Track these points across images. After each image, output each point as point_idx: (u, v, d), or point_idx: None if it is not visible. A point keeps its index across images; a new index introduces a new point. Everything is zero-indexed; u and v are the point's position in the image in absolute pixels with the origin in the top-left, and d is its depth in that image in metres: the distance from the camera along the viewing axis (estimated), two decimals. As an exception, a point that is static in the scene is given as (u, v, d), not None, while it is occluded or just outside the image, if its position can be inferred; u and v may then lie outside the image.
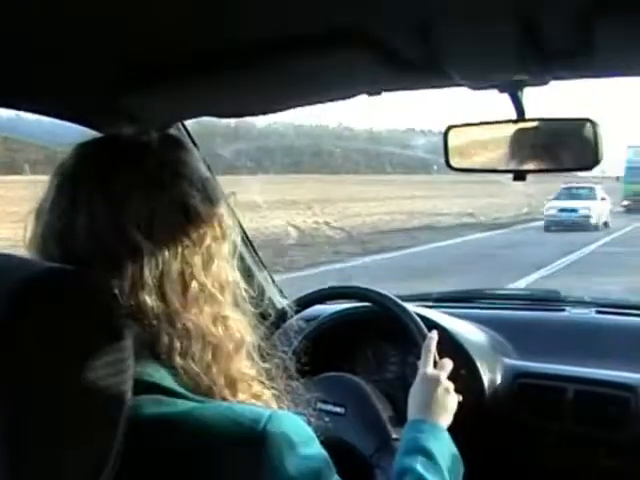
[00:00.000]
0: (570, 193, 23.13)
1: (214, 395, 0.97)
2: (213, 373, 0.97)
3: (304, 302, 1.98)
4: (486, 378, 1.96)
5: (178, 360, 0.95)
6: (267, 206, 17.46)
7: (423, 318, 1.90)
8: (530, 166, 1.40)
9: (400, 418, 1.71)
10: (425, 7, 1.04)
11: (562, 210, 22.00)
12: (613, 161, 28.93)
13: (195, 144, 1.71)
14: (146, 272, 0.94)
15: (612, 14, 1.00)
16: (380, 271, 12.52)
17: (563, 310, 2.33)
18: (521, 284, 11.46)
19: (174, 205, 0.98)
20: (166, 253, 0.96)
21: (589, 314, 2.29)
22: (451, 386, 1.48)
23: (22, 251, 1.00)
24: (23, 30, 1.03)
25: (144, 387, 0.90)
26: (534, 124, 1.37)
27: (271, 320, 1.75)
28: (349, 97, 1.35)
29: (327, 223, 18.70)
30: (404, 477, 1.21)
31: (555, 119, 1.37)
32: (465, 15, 1.05)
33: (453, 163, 1.47)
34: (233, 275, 1.04)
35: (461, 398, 1.58)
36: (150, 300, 0.94)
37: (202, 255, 1.00)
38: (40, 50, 1.11)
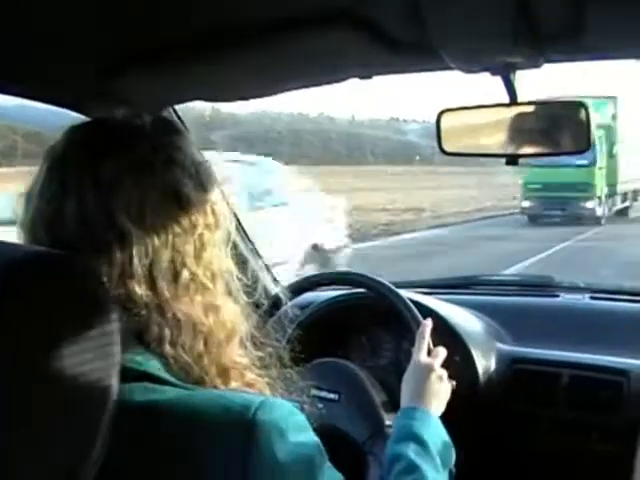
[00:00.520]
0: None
1: (205, 383, 0.95)
2: (204, 362, 0.96)
3: (297, 289, 1.97)
4: (480, 364, 1.96)
5: (168, 349, 0.93)
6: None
7: (417, 304, 1.89)
8: (523, 150, 1.39)
9: (394, 404, 1.71)
10: None
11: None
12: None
13: (186, 129, 1.70)
14: (135, 260, 0.92)
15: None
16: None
17: (557, 296, 2.33)
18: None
19: (166, 191, 0.96)
20: (156, 241, 0.94)
21: (583, 299, 2.30)
22: (444, 374, 1.48)
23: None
24: (10, 13, 1.01)
25: (133, 375, 0.89)
26: (526, 108, 1.37)
27: (264, 308, 1.75)
28: (340, 80, 1.35)
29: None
30: (396, 464, 1.21)
31: (547, 102, 1.37)
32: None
33: (446, 147, 1.46)
34: (226, 263, 1.02)
35: (455, 384, 1.57)
36: (139, 289, 0.93)
37: (194, 243, 0.97)
38: (28, 33, 1.10)
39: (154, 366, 0.92)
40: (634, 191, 23.21)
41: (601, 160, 19.61)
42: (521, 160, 1.41)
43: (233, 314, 1.01)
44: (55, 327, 0.77)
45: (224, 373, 0.98)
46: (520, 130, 1.38)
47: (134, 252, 0.92)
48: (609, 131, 19.92)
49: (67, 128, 1.02)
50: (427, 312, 1.89)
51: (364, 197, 23.33)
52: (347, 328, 2.12)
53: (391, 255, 13.42)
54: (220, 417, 0.88)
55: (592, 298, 2.30)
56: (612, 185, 20.70)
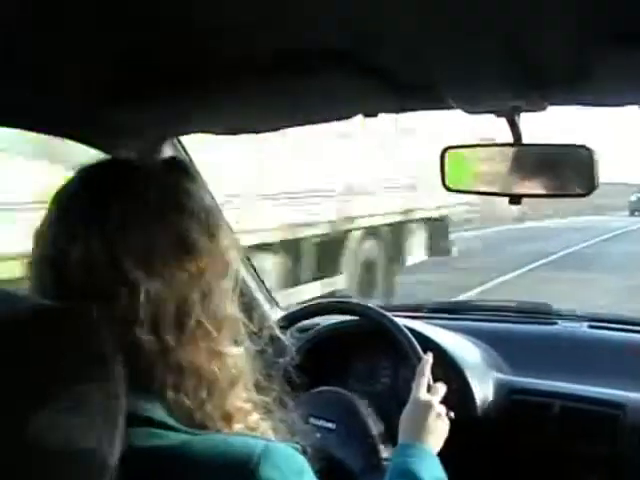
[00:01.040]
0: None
1: (209, 428, 0.95)
2: (207, 408, 0.96)
3: (294, 318, 1.98)
4: (478, 395, 1.96)
5: (171, 395, 0.93)
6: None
7: (416, 333, 1.90)
8: (526, 190, 1.39)
9: (391, 434, 1.72)
10: (420, 32, 1.04)
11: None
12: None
13: (191, 160, 1.71)
14: (141, 307, 0.92)
15: (609, 46, 0.99)
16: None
17: (555, 323, 2.33)
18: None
19: (174, 239, 0.95)
20: (163, 289, 0.93)
21: (581, 328, 2.29)
22: (443, 411, 1.49)
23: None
24: (9, 44, 1.02)
25: (137, 420, 0.89)
26: (531, 149, 1.37)
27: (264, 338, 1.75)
28: (344, 119, 1.35)
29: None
30: None
31: (551, 144, 1.37)
32: (461, 42, 1.04)
33: (449, 184, 1.46)
34: (232, 310, 1.01)
35: (453, 415, 1.58)
36: (144, 335, 0.92)
37: (201, 290, 0.96)
38: (27, 65, 1.11)
39: (157, 411, 0.92)
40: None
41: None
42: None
43: (238, 360, 1.00)
44: (58, 374, 0.77)
45: (227, 417, 0.98)
46: (524, 170, 1.38)
47: (140, 299, 0.92)
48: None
49: (77, 168, 1.02)
50: (425, 341, 1.90)
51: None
52: (346, 354, 2.13)
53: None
54: (222, 464, 0.87)
55: (590, 327, 2.29)
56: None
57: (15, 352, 0.74)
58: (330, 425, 1.80)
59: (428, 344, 1.90)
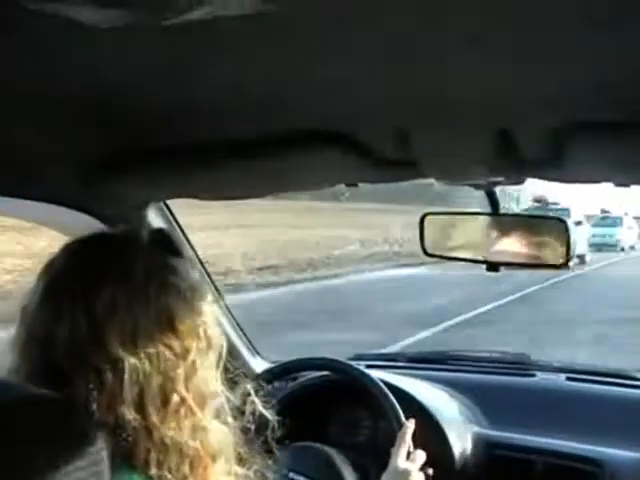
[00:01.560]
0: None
1: None
2: None
3: (276, 374, 1.99)
4: (457, 449, 1.97)
5: (154, 471, 0.94)
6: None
7: (394, 388, 1.91)
8: (502, 258, 1.42)
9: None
10: (404, 116, 1.07)
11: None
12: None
13: (177, 221, 1.73)
14: (126, 386, 0.93)
15: (581, 133, 1.03)
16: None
17: (533, 375, 2.35)
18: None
19: (160, 318, 0.96)
20: (148, 367, 0.94)
21: (559, 380, 2.31)
22: (422, 478, 1.49)
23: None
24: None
25: None
26: (508, 219, 1.40)
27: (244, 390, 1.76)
28: (325, 187, 1.38)
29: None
30: None
31: (528, 216, 1.41)
32: (445, 125, 1.08)
33: (428, 249, 1.49)
34: (215, 386, 1.03)
35: (431, 471, 1.59)
36: (129, 413, 0.93)
37: (185, 368, 0.97)
38: (13, 135, 1.13)
39: None
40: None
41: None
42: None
43: (220, 436, 1.02)
44: (42, 456, 0.78)
45: None
46: (501, 240, 1.41)
47: (125, 378, 0.93)
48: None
49: (64, 244, 1.03)
50: (404, 397, 1.91)
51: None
52: (326, 406, 2.13)
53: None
54: None
55: (568, 379, 2.31)
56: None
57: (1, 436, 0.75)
58: None
59: (407, 400, 1.91)
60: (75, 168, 1.32)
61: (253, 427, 1.13)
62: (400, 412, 1.78)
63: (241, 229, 20.33)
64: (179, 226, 1.77)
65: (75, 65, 0.91)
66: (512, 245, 1.40)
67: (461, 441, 2.00)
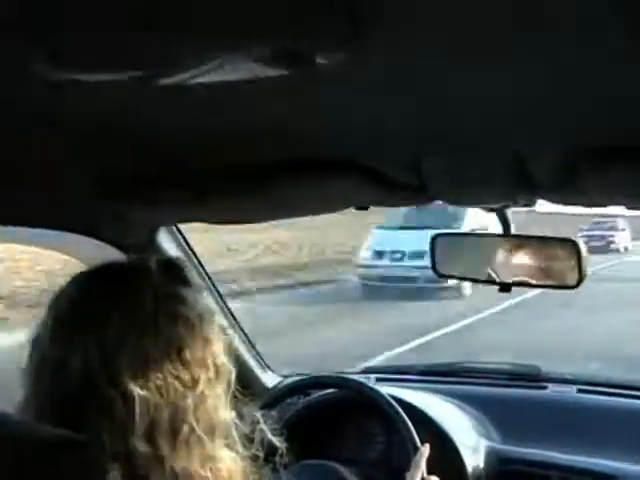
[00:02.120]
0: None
1: None
2: None
3: (285, 393, 1.99)
4: (470, 465, 1.96)
5: None
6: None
7: (406, 404, 1.91)
8: (515, 279, 1.42)
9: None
10: (418, 143, 1.08)
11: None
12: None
13: (187, 243, 1.74)
14: (137, 418, 0.93)
15: (594, 159, 1.03)
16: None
17: (545, 387, 2.34)
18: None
19: (169, 349, 0.97)
20: (158, 398, 0.95)
21: (570, 392, 2.30)
22: None
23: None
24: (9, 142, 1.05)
25: None
26: (519, 240, 1.40)
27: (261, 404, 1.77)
28: (335, 211, 1.38)
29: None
30: None
31: (539, 237, 1.40)
32: (458, 153, 1.08)
33: (440, 269, 1.49)
34: (225, 415, 1.03)
35: None
36: (139, 445, 0.94)
37: (194, 398, 0.98)
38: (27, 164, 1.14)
39: None
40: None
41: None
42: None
43: (230, 465, 1.02)
44: None
45: None
46: (512, 261, 1.41)
47: (136, 410, 0.94)
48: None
49: (74, 276, 1.04)
50: (416, 414, 1.91)
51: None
52: (338, 422, 2.13)
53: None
54: None
55: (579, 391, 2.30)
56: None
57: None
58: None
59: (420, 418, 1.91)
60: (87, 195, 1.33)
61: (262, 454, 1.13)
62: (415, 435, 1.78)
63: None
64: (190, 248, 1.78)
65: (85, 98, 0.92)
66: (524, 266, 1.40)
67: (474, 458, 2.00)
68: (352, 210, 1.35)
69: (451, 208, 10.86)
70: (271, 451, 1.58)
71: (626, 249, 26.67)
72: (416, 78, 0.80)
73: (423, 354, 8.47)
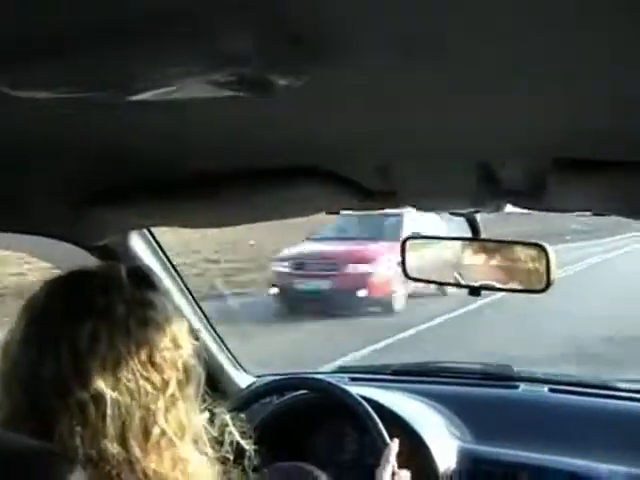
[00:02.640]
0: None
1: None
2: None
3: (258, 394, 2.00)
4: (441, 466, 1.97)
5: None
6: None
7: (377, 405, 1.92)
8: (484, 283, 1.43)
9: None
10: (385, 151, 1.08)
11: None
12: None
13: (159, 245, 1.74)
14: (109, 420, 0.95)
15: (561, 169, 1.05)
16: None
17: (517, 387, 2.36)
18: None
19: (140, 352, 0.99)
20: (130, 401, 0.96)
21: (542, 392, 2.32)
22: None
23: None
24: None
25: None
26: (488, 244, 1.41)
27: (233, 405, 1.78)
28: (306, 215, 1.38)
29: None
30: None
31: (508, 241, 1.41)
32: (428, 159, 1.09)
33: (410, 273, 1.50)
34: (195, 417, 1.05)
35: None
36: (111, 447, 0.95)
37: (165, 400, 1.00)
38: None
39: None
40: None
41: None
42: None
43: (200, 467, 1.03)
44: None
45: None
46: (481, 264, 1.42)
47: (108, 413, 0.95)
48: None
49: (45, 282, 1.05)
50: (388, 415, 1.92)
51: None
52: (310, 424, 2.14)
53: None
54: None
55: (551, 390, 2.32)
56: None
57: None
58: None
59: (391, 418, 1.92)
60: (58, 200, 1.33)
61: (232, 457, 1.14)
62: (384, 432, 1.79)
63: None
64: (162, 249, 1.78)
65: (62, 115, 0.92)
66: (493, 270, 1.41)
67: (446, 457, 2.01)
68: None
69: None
70: (240, 454, 1.59)
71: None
72: (378, 96, 0.81)
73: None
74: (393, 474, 1.56)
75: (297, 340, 8.99)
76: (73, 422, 0.93)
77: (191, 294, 2.02)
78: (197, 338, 1.10)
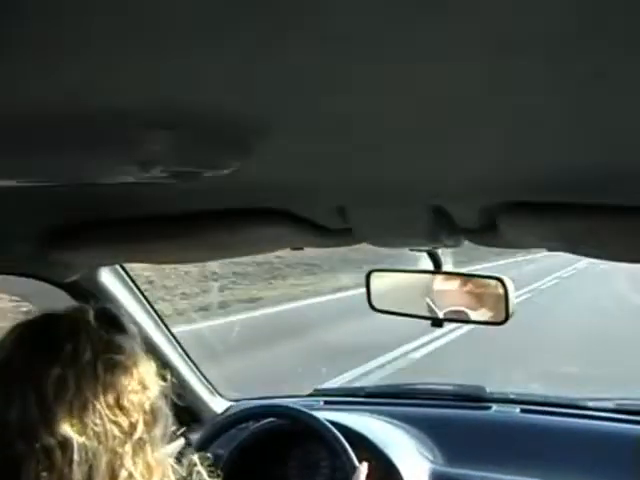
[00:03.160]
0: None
1: None
2: None
3: (227, 424, 2.02)
4: None
5: None
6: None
7: (348, 430, 1.95)
8: (446, 315, 1.46)
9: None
10: (340, 196, 1.11)
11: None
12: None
13: (131, 278, 1.76)
14: (75, 465, 0.95)
15: (513, 211, 1.08)
16: None
17: (489, 408, 2.38)
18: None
19: (108, 396, 0.99)
20: (97, 445, 0.96)
21: (514, 412, 2.34)
22: None
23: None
24: None
25: None
26: (450, 277, 1.44)
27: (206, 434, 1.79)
28: (271, 252, 1.41)
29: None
30: None
31: (469, 274, 1.45)
32: (377, 203, 1.12)
33: (375, 304, 1.53)
34: (163, 458, 1.05)
35: None
36: None
37: (132, 443, 1.00)
38: None
39: None
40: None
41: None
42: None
43: None
44: None
45: None
46: (443, 297, 1.45)
47: (74, 458, 0.95)
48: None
49: (12, 327, 1.05)
50: (358, 439, 1.95)
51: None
52: (283, 449, 2.16)
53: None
54: None
55: (522, 411, 2.34)
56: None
57: None
58: None
59: (361, 442, 1.95)
60: (27, 239, 1.34)
61: None
62: (353, 456, 1.81)
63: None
64: (134, 282, 1.80)
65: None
66: (454, 302, 1.45)
67: (417, 479, 2.03)
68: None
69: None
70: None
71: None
72: (332, 132, 0.83)
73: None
74: None
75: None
76: (39, 467, 0.93)
77: (164, 323, 2.04)
78: (165, 379, 1.11)
